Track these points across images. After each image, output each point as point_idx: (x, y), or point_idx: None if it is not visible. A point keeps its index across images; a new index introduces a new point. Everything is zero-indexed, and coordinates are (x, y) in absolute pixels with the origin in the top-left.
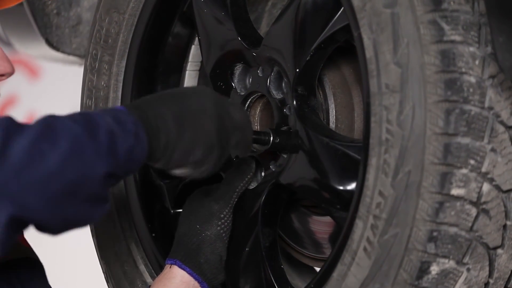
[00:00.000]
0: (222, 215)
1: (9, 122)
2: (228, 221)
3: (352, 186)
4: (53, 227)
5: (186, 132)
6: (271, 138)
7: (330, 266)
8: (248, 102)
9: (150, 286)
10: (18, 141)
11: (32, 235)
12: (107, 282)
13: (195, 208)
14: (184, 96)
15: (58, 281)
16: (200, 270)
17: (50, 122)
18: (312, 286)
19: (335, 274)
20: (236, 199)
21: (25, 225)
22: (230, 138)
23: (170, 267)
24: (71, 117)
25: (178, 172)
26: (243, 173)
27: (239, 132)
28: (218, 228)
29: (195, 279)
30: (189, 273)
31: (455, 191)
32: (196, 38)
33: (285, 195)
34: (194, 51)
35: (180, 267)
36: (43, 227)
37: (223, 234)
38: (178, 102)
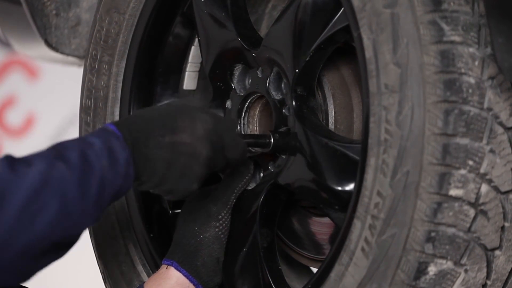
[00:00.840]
0: (220, 217)
1: (3, 171)
2: (226, 222)
3: (350, 186)
4: (27, 278)
5: (172, 180)
6: (272, 140)
7: (327, 266)
8: (247, 103)
9: (144, 283)
10: (10, 202)
11: None
12: (105, 282)
13: (193, 210)
14: (180, 127)
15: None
16: (196, 272)
17: (47, 173)
18: (309, 286)
19: (332, 274)
20: (234, 200)
21: None
22: (220, 166)
23: (166, 268)
24: (70, 159)
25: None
26: (241, 175)
27: (232, 163)
28: (216, 229)
29: (191, 281)
30: (185, 276)
31: (453, 192)
32: (196, 39)
33: (283, 196)
34: (194, 52)
35: (176, 268)
36: (19, 280)
37: (221, 236)
38: (173, 133)
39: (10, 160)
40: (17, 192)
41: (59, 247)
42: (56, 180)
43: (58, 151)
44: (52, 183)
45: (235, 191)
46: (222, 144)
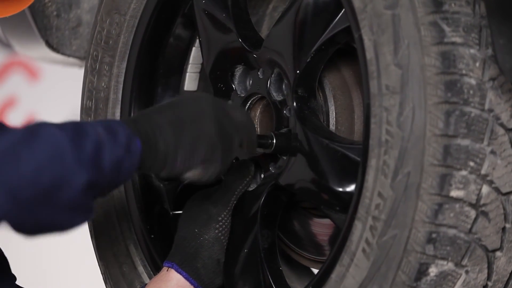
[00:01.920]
0: (220, 218)
1: None
2: (226, 223)
3: (351, 187)
4: (25, 229)
5: (185, 136)
6: (274, 141)
7: (328, 268)
8: (248, 104)
9: (145, 285)
10: None
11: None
12: (106, 283)
13: (194, 212)
14: (181, 103)
15: (57, 282)
16: (197, 275)
17: (34, 128)
18: (310, 287)
19: (333, 276)
20: (234, 202)
21: None
22: (233, 138)
23: (167, 270)
24: (60, 125)
25: (187, 176)
26: (242, 176)
27: (241, 133)
28: (217, 231)
29: (191, 283)
30: (186, 278)
31: (454, 193)
32: (197, 40)
33: (284, 197)
34: (195, 53)
35: (177, 271)
36: (16, 228)
37: (222, 237)
38: (175, 110)
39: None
40: (5, 138)
41: (57, 201)
42: (44, 132)
43: (43, 123)
44: (41, 133)
45: (236, 192)
46: (232, 120)
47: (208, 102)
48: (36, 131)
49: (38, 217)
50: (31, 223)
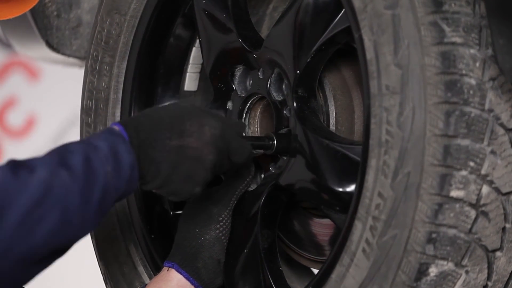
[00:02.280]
0: (220, 218)
1: (5, 177)
2: (226, 223)
3: (351, 187)
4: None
5: (181, 172)
6: (275, 142)
7: (328, 268)
8: (248, 104)
9: (145, 285)
10: (11, 211)
11: None
12: (106, 283)
13: (194, 212)
14: (185, 131)
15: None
16: (197, 274)
17: (49, 182)
18: (310, 287)
19: (333, 276)
20: (235, 202)
21: None
22: (224, 167)
23: (167, 270)
24: (73, 166)
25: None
26: (242, 176)
27: (236, 166)
28: (217, 231)
29: (192, 283)
30: (186, 278)
31: (454, 193)
32: (197, 40)
33: (284, 197)
34: (195, 53)
35: (177, 270)
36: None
37: (222, 237)
38: (178, 139)
39: (12, 165)
40: (18, 201)
41: (56, 253)
42: (58, 189)
43: (61, 156)
44: (54, 192)
45: (236, 193)
46: (229, 149)
47: (214, 143)
48: (50, 187)
49: (39, 272)
50: (29, 279)
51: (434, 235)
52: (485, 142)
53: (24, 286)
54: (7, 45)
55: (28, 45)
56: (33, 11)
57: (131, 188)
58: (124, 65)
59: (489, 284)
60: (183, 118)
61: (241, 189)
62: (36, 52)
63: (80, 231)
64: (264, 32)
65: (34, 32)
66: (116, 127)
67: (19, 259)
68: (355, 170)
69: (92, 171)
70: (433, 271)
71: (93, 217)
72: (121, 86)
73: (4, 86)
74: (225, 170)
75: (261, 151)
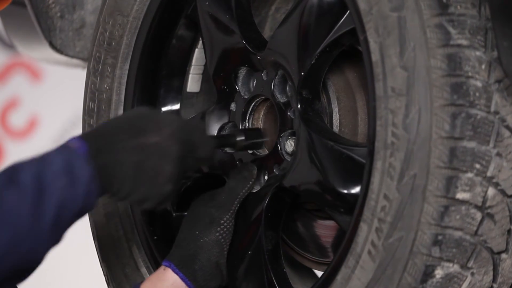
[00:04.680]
0: (222, 221)
1: None
2: (228, 227)
3: (356, 189)
4: None
5: (144, 184)
6: (242, 139)
7: (334, 269)
8: (252, 106)
9: (141, 282)
10: None
11: None
12: (108, 285)
13: (196, 214)
14: (143, 130)
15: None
16: (193, 276)
17: None
18: None
19: (339, 277)
20: (237, 206)
21: None
22: (193, 168)
23: (164, 269)
24: (21, 183)
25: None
26: (245, 180)
27: (202, 162)
28: (217, 234)
29: (187, 285)
30: (182, 279)
31: (460, 195)
32: (200, 41)
33: (288, 199)
34: (198, 55)
35: (174, 271)
36: None
37: (222, 241)
38: (136, 138)
39: None
40: None
41: (19, 272)
42: (5, 207)
43: (10, 174)
44: (1, 211)
45: (239, 196)
46: (191, 142)
47: (173, 128)
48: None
49: None
50: None
51: (440, 237)
52: (491, 144)
53: None
54: (10, 46)
55: (32, 46)
56: (36, 12)
57: (90, 203)
58: (127, 66)
59: (494, 286)
60: (140, 118)
61: (244, 193)
62: (40, 53)
63: (36, 249)
64: (266, 33)
65: (38, 33)
66: (74, 142)
67: None
68: (360, 171)
69: (43, 187)
70: (439, 273)
71: (49, 234)
72: (124, 87)
73: (6, 87)
74: (193, 167)
75: (228, 149)
